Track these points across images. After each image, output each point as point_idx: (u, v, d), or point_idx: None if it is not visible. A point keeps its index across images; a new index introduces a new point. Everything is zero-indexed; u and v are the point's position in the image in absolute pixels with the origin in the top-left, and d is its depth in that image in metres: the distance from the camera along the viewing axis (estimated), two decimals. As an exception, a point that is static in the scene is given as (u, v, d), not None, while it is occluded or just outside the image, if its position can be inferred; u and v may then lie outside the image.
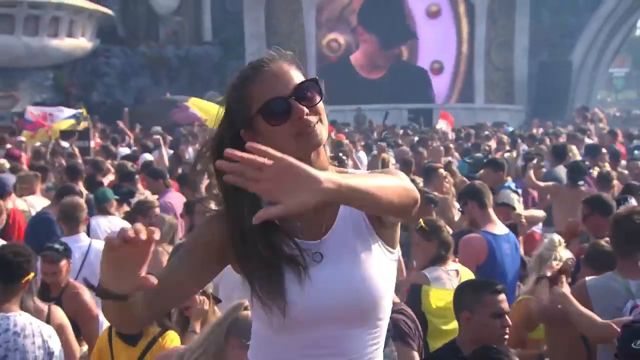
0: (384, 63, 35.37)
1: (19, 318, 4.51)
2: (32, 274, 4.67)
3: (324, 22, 34.92)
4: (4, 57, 30.90)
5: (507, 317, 4.25)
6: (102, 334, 5.07)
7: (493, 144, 17.77)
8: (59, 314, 5.11)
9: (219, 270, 2.52)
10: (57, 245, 5.74)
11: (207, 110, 15.83)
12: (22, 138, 16.57)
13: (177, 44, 35.15)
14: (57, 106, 20.23)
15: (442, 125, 22.85)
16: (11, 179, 8.83)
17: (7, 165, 10.87)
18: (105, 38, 34.02)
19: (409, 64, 35.58)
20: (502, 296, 4.27)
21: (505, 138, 18.95)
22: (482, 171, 9.85)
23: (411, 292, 5.44)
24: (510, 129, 24.82)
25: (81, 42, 32.96)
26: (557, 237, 5.66)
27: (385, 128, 25.18)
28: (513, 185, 8.65)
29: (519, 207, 7.70)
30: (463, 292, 4.41)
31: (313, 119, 2.32)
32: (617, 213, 5.50)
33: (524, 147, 16.20)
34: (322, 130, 2.35)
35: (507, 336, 4.21)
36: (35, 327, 4.49)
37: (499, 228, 6.50)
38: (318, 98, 2.33)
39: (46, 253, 5.67)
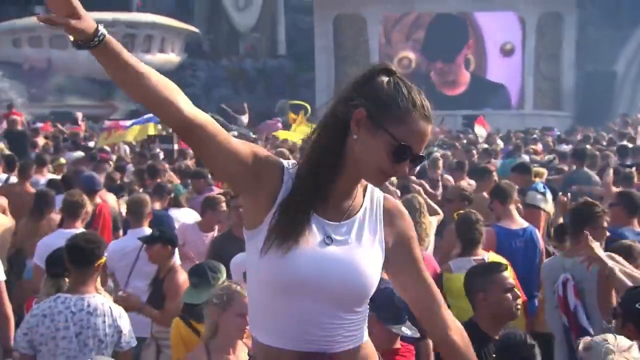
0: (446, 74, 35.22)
1: (92, 299, 4.51)
2: (103, 259, 4.66)
3: (392, 40, 34.77)
4: (101, 72, 31.90)
5: (515, 289, 4.24)
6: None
7: (539, 146, 17.51)
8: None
9: (241, 180, 2.40)
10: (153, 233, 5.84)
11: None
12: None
13: (254, 57, 35.28)
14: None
15: (479, 130, 22.63)
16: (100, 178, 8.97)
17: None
18: (192, 53, 34.44)
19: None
20: (507, 273, 4.28)
21: (550, 141, 18.67)
22: (511, 174, 9.69)
23: (435, 280, 5.44)
24: (558, 133, 24.45)
25: (171, 57, 33.47)
26: None
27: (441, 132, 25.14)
28: (541, 187, 8.32)
29: (547, 206, 7.50)
30: (474, 275, 4.36)
31: (398, 174, 2.39)
32: (579, 202, 5.76)
33: (567, 149, 15.79)
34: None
35: (519, 307, 4.20)
36: (106, 308, 4.49)
37: (515, 223, 6.46)
38: (408, 171, 2.40)
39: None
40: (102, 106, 30.20)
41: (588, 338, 3.21)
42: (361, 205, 2.44)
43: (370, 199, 2.47)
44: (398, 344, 4.17)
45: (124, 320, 4.49)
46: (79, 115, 23.01)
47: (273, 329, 2.41)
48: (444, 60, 34.27)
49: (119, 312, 4.53)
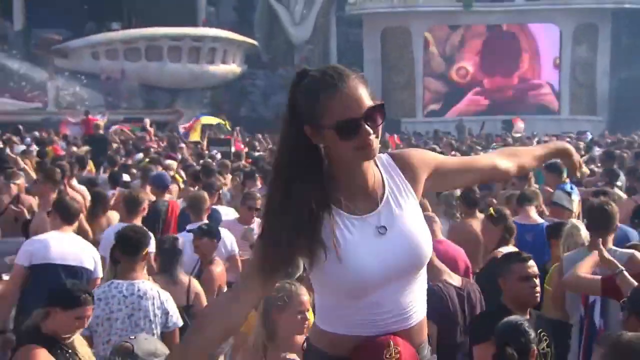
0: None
1: (142, 285, 4.57)
2: (147, 249, 4.70)
3: (447, 51, 34.56)
4: (172, 80, 31.94)
5: (535, 279, 4.22)
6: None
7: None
8: (195, 284, 5.19)
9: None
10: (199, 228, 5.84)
11: None
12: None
13: (308, 67, 35.21)
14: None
15: (517, 127, 22.40)
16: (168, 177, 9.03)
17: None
18: (251, 64, 34.46)
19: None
20: (529, 262, 4.25)
21: (581, 144, 18.40)
22: (543, 172, 9.61)
23: (489, 265, 5.55)
24: (590, 137, 24.04)
25: (232, 68, 33.49)
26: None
27: (482, 136, 24.92)
28: (568, 187, 8.22)
29: (572, 206, 7.39)
30: (499, 263, 4.48)
31: (373, 137, 2.23)
32: (590, 202, 5.72)
33: (599, 152, 15.60)
34: (377, 146, 2.28)
35: (537, 295, 4.21)
36: (154, 292, 4.54)
37: (528, 219, 6.56)
38: (381, 120, 2.25)
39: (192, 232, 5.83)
40: (169, 112, 30.35)
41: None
42: (382, 181, 2.35)
43: (384, 168, 2.38)
44: None
45: (171, 303, 4.55)
46: (147, 121, 23.39)
47: (340, 322, 2.33)
48: (502, 75, 34.09)
49: (166, 296, 4.58)
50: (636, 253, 4.97)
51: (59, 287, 4.27)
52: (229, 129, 18.99)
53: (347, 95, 2.20)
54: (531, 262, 4.28)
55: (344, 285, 2.27)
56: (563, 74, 33.80)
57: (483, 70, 34.21)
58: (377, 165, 2.36)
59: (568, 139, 20.98)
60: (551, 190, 8.25)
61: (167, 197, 8.32)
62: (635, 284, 4.17)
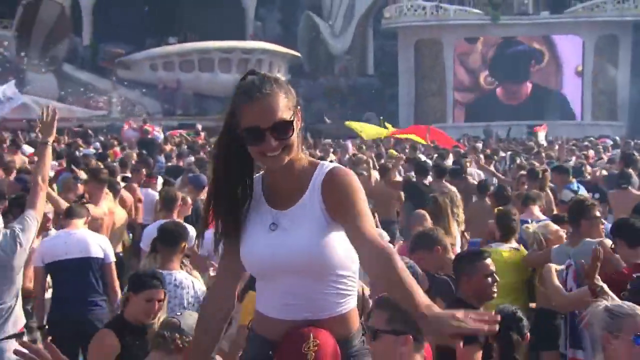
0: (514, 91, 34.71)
1: (178, 274, 4.57)
2: (185, 243, 4.70)
3: (470, 61, 34.34)
4: (222, 89, 31.32)
5: (494, 275, 4.21)
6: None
7: (591, 152, 17.10)
8: None
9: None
10: None
11: (358, 128, 15.96)
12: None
13: (347, 76, 35.20)
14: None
15: (540, 136, 22.18)
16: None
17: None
18: (294, 73, 34.48)
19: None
20: (489, 260, 4.24)
21: (600, 148, 18.22)
22: (552, 173, 9.63)
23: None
24: (610, 142, 23.73)
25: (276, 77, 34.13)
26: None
27: (507, 140, 24.70)
28: (575, 186, 8.40)
29: None
30: (462, 260, 4.35)
31: (278, 148, 2.23)
32: (573, 198, 5.76)
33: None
34: (284, 156, 2.26)
35: (495, 289, 4.17)
36: (189, 282, 4.54)
37: (532, 217, 6.50)
38: (290, 134, 2.23)
39: None
40: (220, 119, 30.41)
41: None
42: (307, 189, 2.32)
43: (315, 180, 2.33)
44: None
45: (203, 292, 4.54)
46: (199, 126, 23.74)
47: (264, 301, 2.38)
48: (513, 81, 33.84)
49: (200, 285, 4.60)
50: (604, 240, 4.98)
51: (133, 273, 4.34)
52: None
53: (260, 106, 2.20)
54: (490, 260, 4.28)
55: (247, 266, 2.37)
56: (585, 81, 33.39)
57: (510, 78, 34.00)
58: (312, 174, 2.33)
59: (586, 143, 20.84)
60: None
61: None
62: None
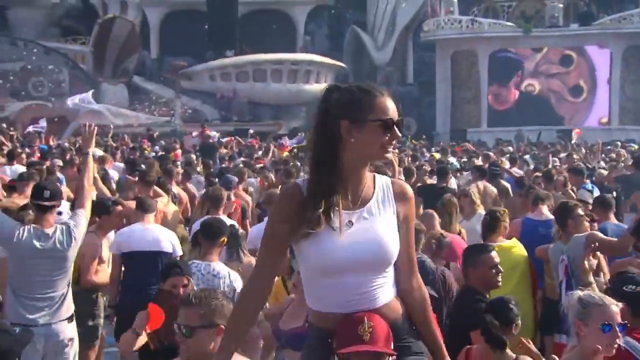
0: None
1: (216, 266, 4.63)
2: (224, 237, 4.74)
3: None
4: (274, 97, 32.24)
5: (499, 266, 4.23)
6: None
7: (622, 151, 16.72)
8: None
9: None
10: None
11: None
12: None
13: (388, 85, 34.06)
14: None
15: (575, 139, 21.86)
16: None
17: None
18: (340, 83, 34.53)
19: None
20: (494, 253, 4.26)
21: (623, 151, 17.84)
22: (568, 174, 9.52)
23: None
24: (635, 146, 23.22)
25: (324, 86, 33.81)
26: None
27: (537, 144, 24.41)
28: (590, 186, 8.31)
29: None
30: (469, 253, 4.41)
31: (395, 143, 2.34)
32: (561, 202, 5.78)
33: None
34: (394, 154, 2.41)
35: (500, 279, 4.19)
36: (225, 272, 4.58)
37: (540, 216, 6.39)
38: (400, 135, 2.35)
39: None
40: (271, 124, 30.62)
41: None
42: (373, 193, 2.37)
43: (380, 186, 2.39)
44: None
45: (238, 283, 4.59)
46: (251, 131, 23.70)
47: (322, 299, 2.36)
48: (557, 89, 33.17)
49: (235, 276, 4.62)
50: (594, 233, 5.06)
51: (165, 263, 4.59)
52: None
53: (388, 102, 2.31)
54: (495, 253, 4.27)
55: (316, 263, 2.33)
56: (613, 89, 32.54)
57: (542, 86, 33.41)
58: (374, 181, 2.40)
59: (608, 147, 20.40)
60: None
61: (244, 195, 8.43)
62: None
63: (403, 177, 10.01)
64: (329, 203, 2.28)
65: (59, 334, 4.72)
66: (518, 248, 5.46)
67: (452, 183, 9.70)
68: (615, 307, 3.00)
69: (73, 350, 4.80)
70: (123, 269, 5.65)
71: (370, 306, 2.32)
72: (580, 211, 5.36)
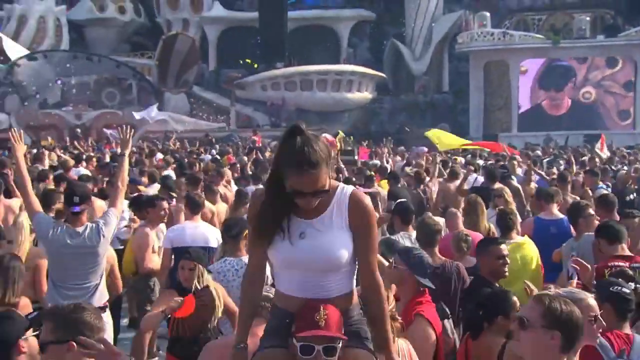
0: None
1: (245, 259, 4.50)
2: (247, 232, 4.35)
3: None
4: (319, 105, 32.36)
5: (506, 258, 4.20)
6: None
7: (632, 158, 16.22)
8: None
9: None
10: None
11: (438, 137, 15.30)
12: None
13: (425, 93, 34.53)
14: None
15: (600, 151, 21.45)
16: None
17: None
18: (380, 91, 34.37)
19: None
20: (503, 246, 4.26)
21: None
22: (583, 175, 9.32)
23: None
24: (659, 149, 22.75)
25: (365, 95, 33.58)
26: None
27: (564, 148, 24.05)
28: (604, 187, 8.24)
29: None
30: (480, 245, 4.44)
31: (313, 201, 2.36)
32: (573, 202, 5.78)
33: None
34: (315, 202, 2.36)
35: (506, 269, 4.16)
36: None
37: (551, 216, 6.23)
38: (325, 192, 2.35)
39: None
40: (317, 129, 29.59)
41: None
42: (329, 206, 2.42)
43: (337, 198, 2.43)
44: (425, 296, 3.77)
45: (267, 272, 4.40)
46: None
47: (284, 283, 2.50)
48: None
49: (268, 268, 4.47)
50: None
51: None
52: (352, 139, 19.09)
53: (307, 179, 2.30)
54: (504, 246, 4.26)
55: (276, 262, 2.51)
56: (637, 95, 32.01)
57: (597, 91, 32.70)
58: (335, 193, 2.43)
59: (629, 151, 20.18)
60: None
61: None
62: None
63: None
64: (278, 216, 2.38)
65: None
66: (530, 245, 5.33)
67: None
68: (593, 300, 2.88)
69: (107, 336, 4.44)
70: (172, 262, 5.60)
71: (326, 296, 2.41)
72: (591, 211, 5.30)
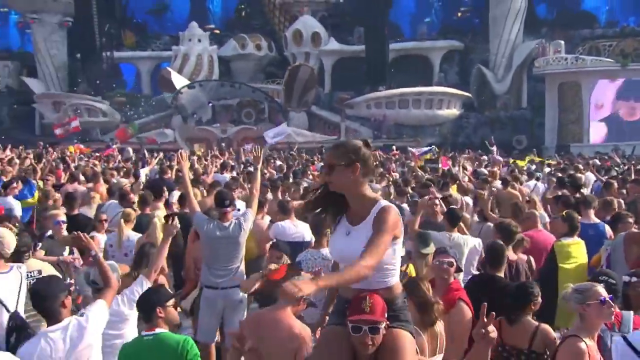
0: None
1: (324, 250, 4.54)
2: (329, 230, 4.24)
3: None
4: (414, 120, 32.82)
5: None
6: None
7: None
8: None
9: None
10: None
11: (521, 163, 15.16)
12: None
13: (505, 110, 34.14)
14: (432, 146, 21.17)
15: None
16: None
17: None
18: (466, 108, 34.00)
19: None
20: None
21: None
22: (629, 185, 8.80)
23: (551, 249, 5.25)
24: None
25: (453, 111, 33.37)
26: None
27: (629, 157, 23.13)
28: None
29: None
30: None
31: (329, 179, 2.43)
32: (616, 212, 5.66)
33: None
34: (332, 183, 2.43)
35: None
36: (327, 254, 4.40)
37: (589, 220, 6.05)
38: (333, 171, 2.42)
39: None
40: (411, 141, 30.61)
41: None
42: (368, 215, 2.47)
43: (375, 209, 2.46)
44: (457, 283, 3.68)
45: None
46: (394, 147, 23.74)
47: None
48: None
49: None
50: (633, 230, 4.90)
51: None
52: (438, 149, 18.72)
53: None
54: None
55: (332, 252, 2.63)
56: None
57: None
58: (373, 206, 2.47)
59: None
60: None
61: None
62: None
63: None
64: (337, 218, 2.52)
65: (233, 296, 4.80)
66: (580, 245, 5.30)
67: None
68: (601, 287, 2.99)
69: (242, 308, 4.89)
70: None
71: (370, 287, 2.43)
72: (630, 219, 5.32)
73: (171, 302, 3.12)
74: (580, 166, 13.50)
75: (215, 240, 4.75)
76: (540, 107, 33.27)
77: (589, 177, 11.56)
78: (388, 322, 2.42)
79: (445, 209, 5.69)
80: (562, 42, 32.38)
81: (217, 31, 38.60)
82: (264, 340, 3.12)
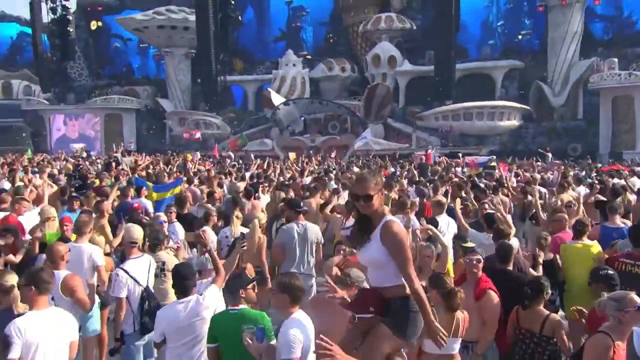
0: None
1: None
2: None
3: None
4: (477, 130, 32.72)
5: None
6: None
7: None
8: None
9: None
10: None
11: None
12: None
13: (562, 121, 33.61)
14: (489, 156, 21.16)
15: None
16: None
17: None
18: (525, 119, 33.75)
19: None
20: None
21: None
22: None
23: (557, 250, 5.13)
24: None
25: (513, 122, 33.32)
26: None
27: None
28: None
29: None
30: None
31: (364, 208, 2.68)
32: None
33: None
34: (367, 209, 2.67)
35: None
36: None
37: (614, 224, 5.94)
38: (369, 201, 2.66)
39: None
40: (475, 149, 30.92)
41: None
42: (376, 229, 2.72)
43: (378, 229, 2.71)
44: (484, 275, 3.68)
45: None
46: (460, 154, 23.45)
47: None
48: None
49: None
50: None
51: None
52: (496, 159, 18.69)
53: (359, 185, 2.72)
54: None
55: (360, 260, 2.86)
56: None
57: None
58: (380, 220, 2.75)
59: None
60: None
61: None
62: None
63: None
64: (362, 236, 2.80)
65: (307, 283, 5.08)
66: (596, 247, 5.21)
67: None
68: (635, 295, 2.90)
69: (313, 293, 5.25)
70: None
71: (380, 284, 2.71)
72: None
73: (250, 285, 3.25)
74: (626, 172, 13.01)
75: (293, 240, 5.20)
76: (595, 119, 32.98)
77: (634, 182, 11.03)
78: (370, 315, 2.62)
79: (483, 215, 5.87)
80: (616, 59, 32.12)
81: (309, 57, 40.58)
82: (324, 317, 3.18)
